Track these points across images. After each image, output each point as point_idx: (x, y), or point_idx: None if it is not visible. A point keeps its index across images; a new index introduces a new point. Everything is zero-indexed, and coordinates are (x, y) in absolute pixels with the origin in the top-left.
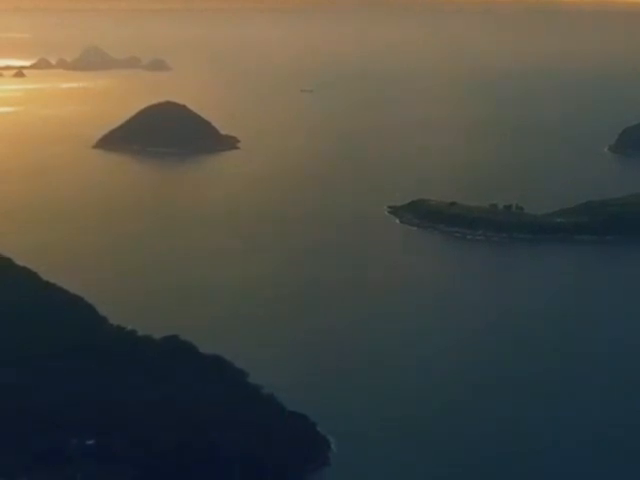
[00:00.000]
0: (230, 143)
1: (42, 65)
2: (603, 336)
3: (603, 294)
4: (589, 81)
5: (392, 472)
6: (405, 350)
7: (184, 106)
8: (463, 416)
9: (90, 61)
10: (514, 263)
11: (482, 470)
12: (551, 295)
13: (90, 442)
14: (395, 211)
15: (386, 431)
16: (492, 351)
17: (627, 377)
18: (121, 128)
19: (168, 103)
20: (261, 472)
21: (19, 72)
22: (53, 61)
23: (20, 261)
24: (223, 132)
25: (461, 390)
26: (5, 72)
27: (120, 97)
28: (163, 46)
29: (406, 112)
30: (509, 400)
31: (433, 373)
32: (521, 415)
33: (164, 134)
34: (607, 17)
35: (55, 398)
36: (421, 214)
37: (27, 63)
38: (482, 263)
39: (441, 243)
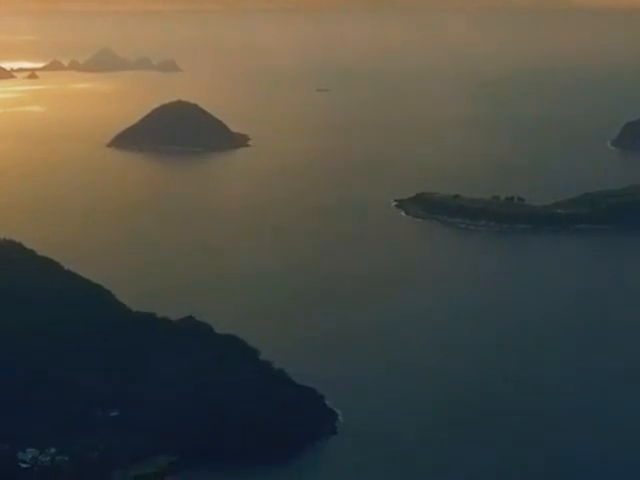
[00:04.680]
0: (241, 141)
1: (55, 67)
2: (602, 322)
3: (601, 284)
4: (591, 79)
5: (393, 441)
6: (407, 333)
7: (195, 105)
8: (462, 392)
9: (102, 62)
10: (514, 252)
11: (476, 430)
12: (550, 284)
13: (114, 414)
14: (401, 204)
15: (388, 405)
16: (491, 339)
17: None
18: (134, 127)
19: (180, 102)
20: (271, 439)
21: (32, 74)
22: (65, 63)
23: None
24: (234, 130)
25: (460, 366)
26: (18, 74)
27: (132, 97)
28: (173, 47)
29: (414, 110)
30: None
31: (433, 360)
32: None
33: (176, 132)
34: (607, 16)
35: (80, 373)
36: (426, 206)
37: (40, 65)
38: (483, 253)
39: (444, 234)
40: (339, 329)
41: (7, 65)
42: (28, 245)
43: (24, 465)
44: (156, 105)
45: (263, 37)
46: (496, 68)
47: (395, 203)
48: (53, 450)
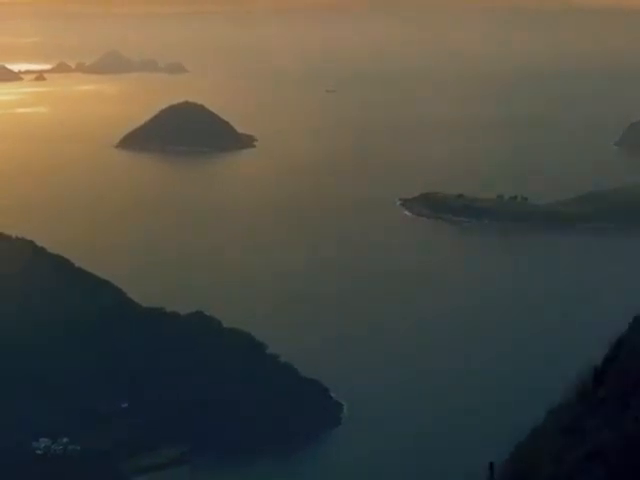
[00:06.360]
0: (247, 141)
1: (62, 69)
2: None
3: (601, 283)
4: (593, 79)
5: (395, 434)
6: (409, 330)
7: (202, 106)
8: (463, 388)
9: (108, 65)
10: (516, 251)
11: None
12: (551, 283)
13: (124, 405)
14: (406, 203)
15: (391, 398)
16: (490, 338)
17: None
18: (142, 128)
19: (187, 103)
20: (276, 429)
21: (40, 75)
22: (72, 65)
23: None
24: (240, 131)
25: (461, 364)
26: (26, 76)
27: (139, 99)
28: (178, 49)
29: (417, 111)
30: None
31: (435, 358)
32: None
33: (183, 133)
34: (609, 16)
35: (92, 366)
36: (430, 205)
37: (47, 67)
38: (486, 252)
39: (448, 233)
40: (342, 325)
41: (14, 67)
42: (39, 243)
43: (38, 452)
44: (163, 106)
45: (267, 38)
46: (499, 68)
47: (400, 202)
48: (65, 440)
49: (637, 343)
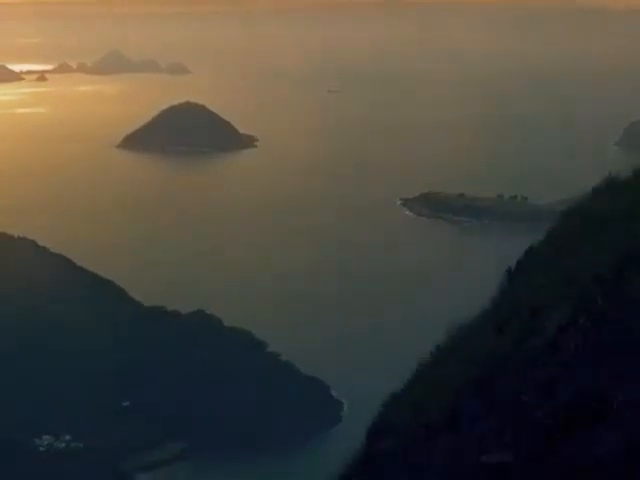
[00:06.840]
0: (248, 141)
1: (63, 69)
2: None
3: None
4: (594, 77)
5: None
6: (408, 331)
7: (203, 106)
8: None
9: (109, 65)
10: (516, 250)
11: None
12: None
13: (125, 404)
14: (406, 203)
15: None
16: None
17: None
18: (143, 128)
19: (188, 103)
20: (277, 428)
21: (41, 76)
22: (73, 65)
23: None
24: (242, 131)
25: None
26: (27, 76)
27: (141, 99)
28: (179, 49)
29: (420, 111)
30: None
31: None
32: None
33: (184, 133)
34: (610, 16)
35: (94, 364)
36: (431, 205)
37: (48, 67)
38: (486, 251)
39: (449, 232)
40: (342, 325)
41: (16, 67)
42: (41, 243)
43: (41, 449)
44: (165, 106)
45: (267, 38)
46: (499, 68)
47: (400, 202)
48: (68, 437)
49: (542, 251)
